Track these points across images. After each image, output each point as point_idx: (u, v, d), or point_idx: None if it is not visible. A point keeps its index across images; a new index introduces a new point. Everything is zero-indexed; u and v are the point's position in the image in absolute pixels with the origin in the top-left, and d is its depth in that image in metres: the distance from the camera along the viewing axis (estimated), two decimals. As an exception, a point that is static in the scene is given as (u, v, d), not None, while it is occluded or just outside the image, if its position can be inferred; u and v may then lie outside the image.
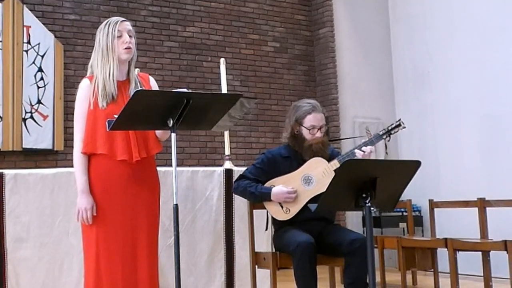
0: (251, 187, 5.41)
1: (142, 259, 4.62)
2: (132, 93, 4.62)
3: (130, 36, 4.73)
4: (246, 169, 5.61)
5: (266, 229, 5.68)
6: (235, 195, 6.20)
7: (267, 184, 5.43)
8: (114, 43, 4.66)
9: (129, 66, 4.79)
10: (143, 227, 4.65)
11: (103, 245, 4.56)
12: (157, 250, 4.82)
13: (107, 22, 4.74)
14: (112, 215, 4.58)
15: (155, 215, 4.79)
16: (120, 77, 4.73)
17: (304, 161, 5.42)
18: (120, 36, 4.68)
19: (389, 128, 5.44)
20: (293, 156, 5.50)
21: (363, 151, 5.26)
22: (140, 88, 4.70)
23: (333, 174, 5.19)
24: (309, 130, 5.44)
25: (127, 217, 4.60)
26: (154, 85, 4.95)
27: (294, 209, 5.34)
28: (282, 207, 5.37)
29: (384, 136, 5.43)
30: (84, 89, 4.68)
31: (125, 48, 4.69)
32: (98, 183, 4.60)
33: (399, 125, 5.44)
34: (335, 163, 5.28)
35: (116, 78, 4.68)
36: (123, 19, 4.79)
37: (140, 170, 4.66)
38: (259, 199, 5.43)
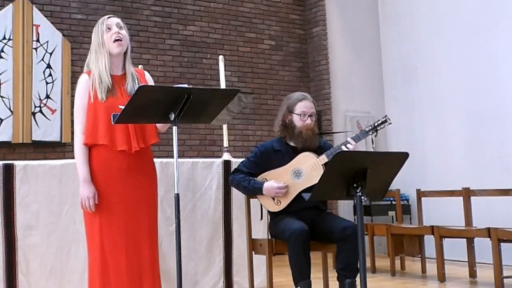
0: (244, 181, 5.41)
1: (144, 244, 4.62)
2: (128, 87, 4.66)
3: (120, 28, 4.69)
4: (241, 162, 5.61)
5: (261, 219, 5.68)
6: (232, 186, 6.23)
7: (260, 177, 5.43)
8: (104, 38, 4.64)
9: (124, 60, 4.76)
10: (144, 214, 4.65)
11: (107, 233, 4.55)
12: (157, 235, 4.82)
13: (97, 23, 4.73)
14: (114, 204, 4.57)
15: (154, 202, 4.78)
16: (117, 71, 4.72)
17: (295, 154, 5.41)
18: (109, 29, 4.66)
19: (375, 124, 5.40)
20: (284, 150, 5.49)
21: (347, 148, 5.25)
22: (137, 83, 4.69)
23: (321, 168, 5.21)
24: (300, 116, 5.43)
25: (128, 205, 4.59)
26: (149, 80, 4.92)
27: (285, 201, 5.34)
28: (273, 199, 5.37)
29: (371, 132, 5.40)
30: (83, 83, 4.67)
31: (115, 40, 4.64)
32: (100, 173, 4.59)
33: (385, 121, 5.40)
34: (323, 158, 5.28)
35: (110, 70, 4.65)
36: (110, 15, 4.78)
37: (138, 160, 4.66)
38: (251, 193, 5.45)
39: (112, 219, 4.57)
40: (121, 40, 4.67)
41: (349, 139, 5.32)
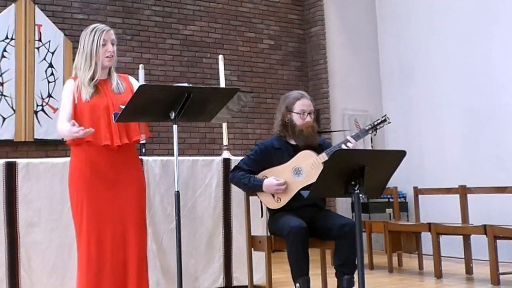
0: (244, 178, 5.40)
1: (130, 239, 4.64)
2: (113, 88, 4.76)
3: (112, 45, 4.75)
4: (241, 160, 5.60)
5: (262, 216, 5.67)
6: (232, 183, 6.23)
7: (260, 175, 5.41)
8: (98, 51, 4.70)
9: (110, 69, 4.82)
10: (130, 209, 4.67)
11: (93, 228, 4.58)
12: (146, 230, 4.85)
13: (93, 29, 4.76)
14: (100, 199, 4.61)
15: (141, 197, 4.80)
16: (102, 76, 4.79)
17: (295, 152, 5.40)
18: (104, 45, 4.70)
19: (375, 123, 5.39)
20: (284, 148, 5.48)
21: (347, 146, 5.25)
22: (121, 85, 4.79)
23: (321, 166, 5.18)
24: (300, 114, 5.42)
25: (114, 200, 4.63)
26: (134, 82, 4.96)
27: (285, 199, 5.33)
28: (273, 196, 5.36)
29: (370, 131, 5.39)
30: (69, 85, 4.76)
31: (107, 57, 4.72)
32: (86, 169, 4.63)
33: (385, 120, 5.39)
34: (323, 156, 5.27)
35: (98, 79, 4.73)
36: (108, 28, 4.83)
37: (122, 156, 4.72)
38: (251, 190, 5.43)
39: (98, 214, 4.60)
40: (112, 57, 4.77)
41: (349, 138, 5.31)
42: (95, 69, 4.69)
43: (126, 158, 4.74)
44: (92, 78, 4.67)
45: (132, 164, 4.81)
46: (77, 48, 4.84)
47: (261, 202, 5.54)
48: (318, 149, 5.38)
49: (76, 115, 4.63)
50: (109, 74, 4.83)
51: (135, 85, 4.90)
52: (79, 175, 4.65)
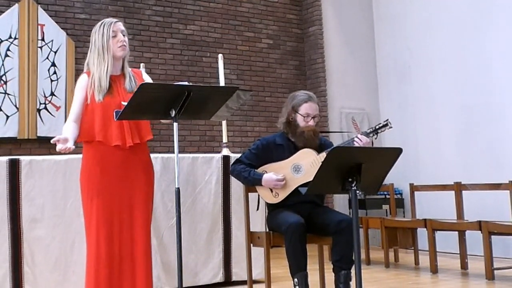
0: (245, 172, 5.40)
1: (137, 235, 4.64)
2: (126, 86, 4.72)
3: (123, 35, 4.74)
4: (242, 154, 5.60)
5: (258, 209, 5.65)
6: (232, 179, 6.23)
7: (260, 169, 5.41)
8: (109, 42, 4.69)
9: (123, 62, 4.81)
10: (138, 207, 4.67)
11: (102, 224, 4.58)
12: (150, 227, 4.83)
13: (101, 24, 4.77)
14: (110, 195, 4.61)
15: (148, 197, 4.79)
16: (115, 72, 4.77)
17: (296, 150, 5.40)
18: (114, 36, 4.70)
19: (377, 127, 5.38)
20: (286, 145, 5.48)
21: (360, 139, 5.25)
22: (134, 82, 4.75)
23: (320, 165, 5.19)
24: (304, 117, 5.41)
25: (124, 197, 4.63)
26: (146, 79, 4.95)
27: (282, 194, 5.33)
28: (272, 191, 5.36)
29: (371, 135, 5.38)
30: (82, 80, 4.76)
31: (120, 46, 4.70)
32: (96, 167, 4.63)
33: (386, 125, 5.37)
34: (323, 156, 5.25)
35: (111, 73, 4.71)
36: (116, 20, 4.82)
37: (134, 155, 4.71)
38: (251, 183, 5.43)
39: (108, 210, 4.60)
40: (125, 46, 4.75)
41: (359, 136, 5.32)
42: (108, 62, 4.67)
43: (137, 157, 4.72)
44: (105, 72, 4.65)
45: (144, 163, 4.79)
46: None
47: (258, 195, 5.54)
48: (319, 150, 5.37)
49: (88, 114, 4.64)
50: (123, 69, 4.82)
51: (148, 81, 4.90)
52: (89, 172, 4.64)
